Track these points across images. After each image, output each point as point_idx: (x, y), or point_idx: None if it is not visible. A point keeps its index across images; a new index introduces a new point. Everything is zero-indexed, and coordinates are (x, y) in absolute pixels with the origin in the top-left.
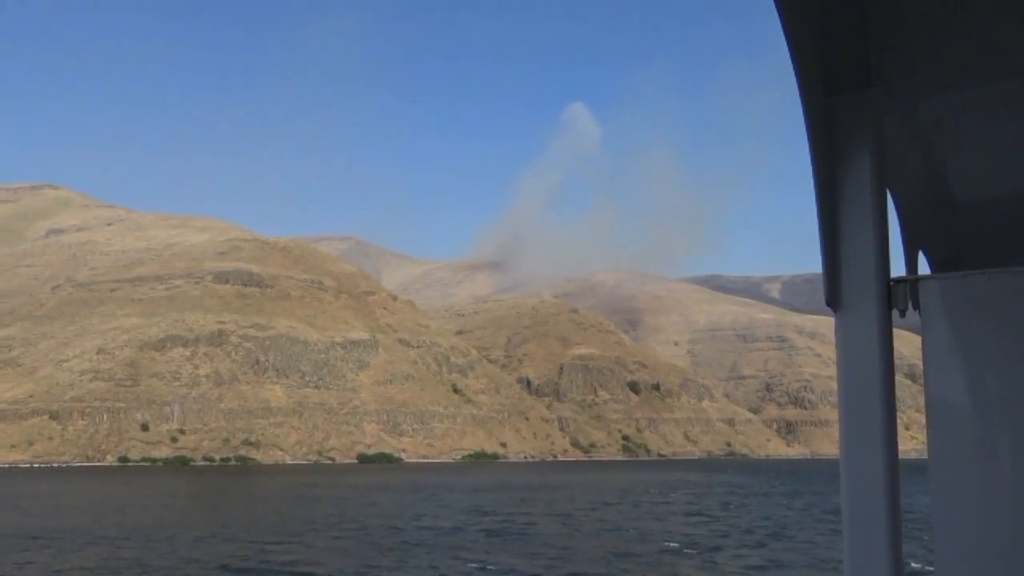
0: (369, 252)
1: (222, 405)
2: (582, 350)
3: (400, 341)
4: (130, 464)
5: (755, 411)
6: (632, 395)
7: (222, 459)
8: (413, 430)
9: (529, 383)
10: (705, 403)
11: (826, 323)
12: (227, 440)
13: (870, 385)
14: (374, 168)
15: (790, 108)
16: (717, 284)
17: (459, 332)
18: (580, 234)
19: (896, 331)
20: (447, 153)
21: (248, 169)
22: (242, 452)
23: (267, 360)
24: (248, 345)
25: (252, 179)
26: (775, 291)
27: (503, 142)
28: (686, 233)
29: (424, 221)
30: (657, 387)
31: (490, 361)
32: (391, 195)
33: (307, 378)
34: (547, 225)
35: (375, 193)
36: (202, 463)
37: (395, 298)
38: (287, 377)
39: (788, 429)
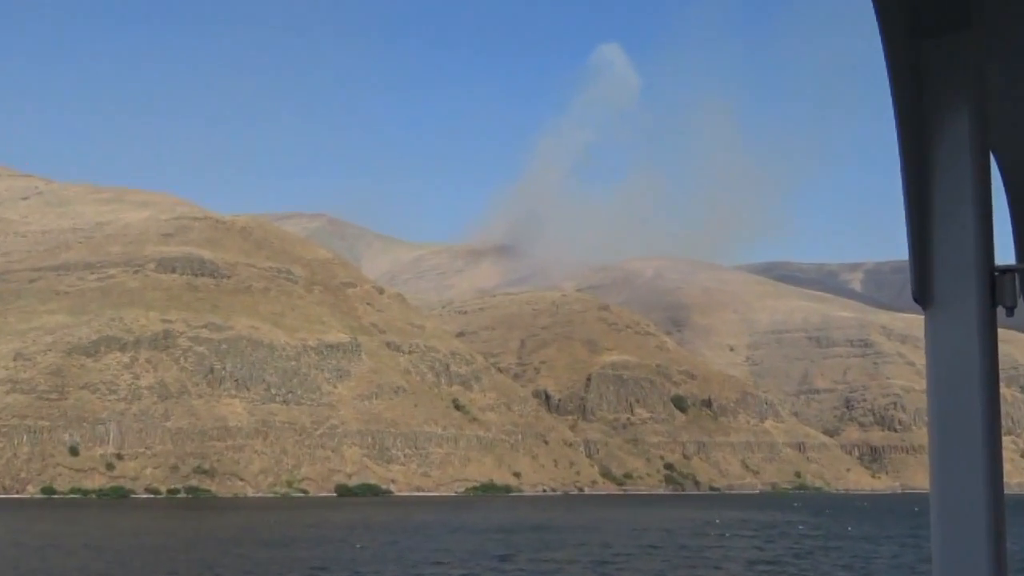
0: (346, 233)
1: (169, 424)
2: (614, 357)
3: (388, 345)
4: (56, 496)
5: (831, 434)
6: (677, 413)
7: (169, 491)
8: (405, 456)
9: (548, 398)
10: (768, 423)
11: (920, 323)
12: (175, 467)
13: (967, 399)
14: (351, 131)
15: (875, 55)
16: (783, 273)
17: (460, 334)
18: (612, 211)
19: (1001, 331)
20: (443, 110)
21: (195, 134)
22: (194, 482)
23: (224, 368)
24: (200, 349)
25: (200, 145)
26: (856, 282)
27: (515, 95)
28: (745, 210)
29: (414, 196)
30: (708, 403)
31: (499, 370)
32: (373, 164)
33: (273, 391)
34: (571, 199)
35: (352, 162)
36: (144, 496)
37: (381, 291)
38: (248, 389)
39: (873, 456)
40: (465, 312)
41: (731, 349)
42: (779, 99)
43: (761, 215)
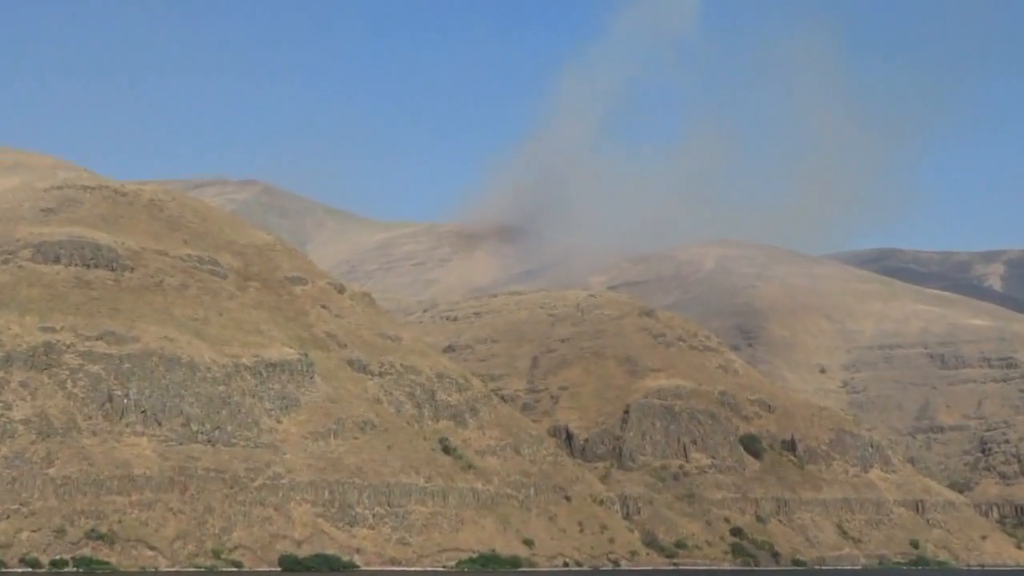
0: (287, 207)
1: (52, 472)
2: (662, 381)
3: (351, 364)
4: None
5: (960, 488)
6: (748, 459)
7: (53, 563)
8: (374, 516)
9: (571, 437)
10: (874, 473)
11: None
12: (61, 531)
13: None
14: (293, 76)
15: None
16: (895, 266)
17: (449, 348)
18: (659, 180)
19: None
20: (422, 41)
21: (80, 82)
22: (87, 551)
23: (127, 395)
24: (94, 369)
25: (86, 95)
26: (994, 278)
27: (524, 18)
28: (843, 182)
29: (381, 159)
30: (792, 445)
31: (504, 399)
32: (324, 118)
33: (194, 426)
34: (601, 164)
35: (295, 116)
36: (20, 570)
37: (341, 289)
38: (160, 424)
39: (1019, 519)
40: (455, 318)
41: (823, 371)
42: (897, 41)
43: (865, 189)
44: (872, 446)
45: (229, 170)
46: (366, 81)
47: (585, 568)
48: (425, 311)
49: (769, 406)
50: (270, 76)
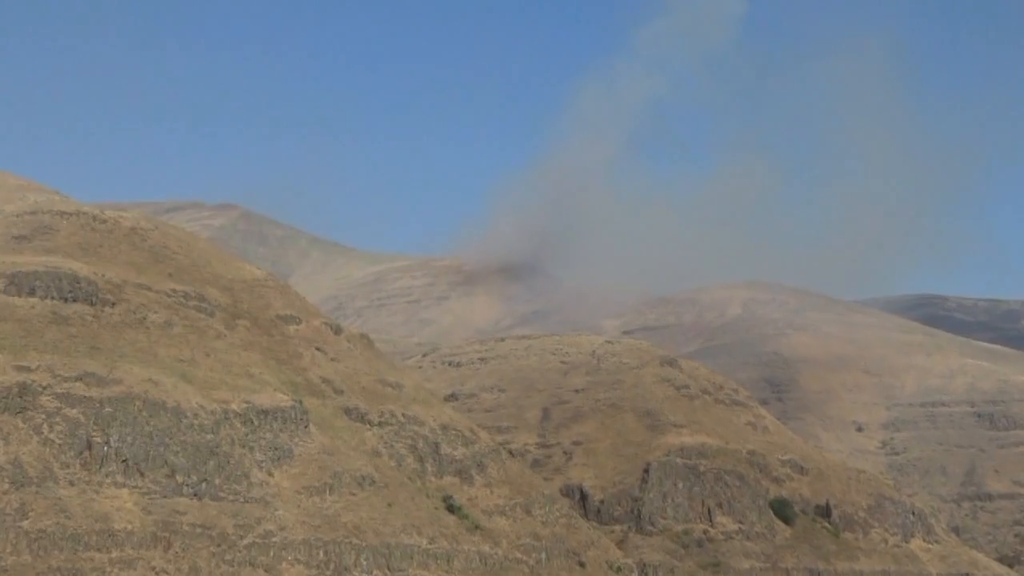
0: (268, 235)
1: (25, 524)
2: (685, 437)
3: (348, 412)
4: None
5: (1012, 561)
6: (779, 525)
7: None
8: None
9: (585, 497)
10: (916, 544)
11: None
12: None
13: None
14: (274, 91)
15: None
16: (939, 313)
17: (452, 397)
18: (683, 212)
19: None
20: (420, 61)
21: (45, 98)
22: None
23: (107, 443)
24: (72, 413)
25: (52, 112)
26: None
27: (538, 24)
28: (888, 221)
29: (370, 184)
30: (826, 511)
31: (513, 454)
32: (308, 138)
33: (180, 477)
34: (619, 193)
35: (278, 135)
36: None
37: (338, 329)
38: (143, 475)
39: None
40: (458, 364)
41: (860, 429)
42: (956, 71)
43: (914, 229)
44: (914, 514)
45: (204, 193)
46: (355, 97)
47: None
48: (425, 355)
49: (802, 467)
50: (250, 91)
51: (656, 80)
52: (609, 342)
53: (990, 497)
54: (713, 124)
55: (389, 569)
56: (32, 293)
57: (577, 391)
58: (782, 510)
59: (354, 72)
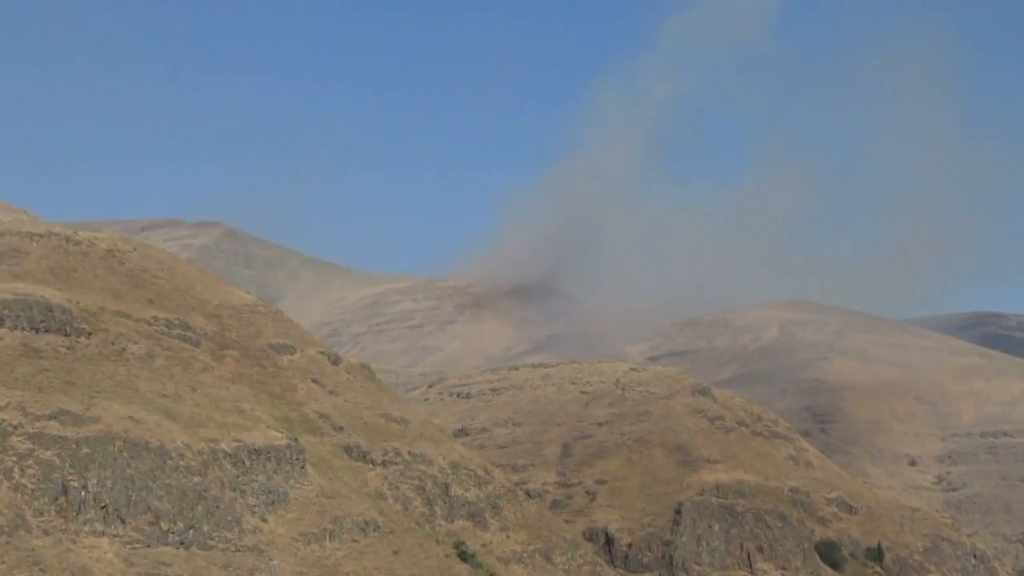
0: (255, 255)
1: None
2: (720, 474)
3: (348, 450)
4: None
5: None
6: (826, 570)
7: None
8: None
9: (611, 542)
10: None
11: None
12: None
13: None
14: (260, 93)
15: None
16: (995, 334)
17: (462, 432)
18: (714, 224)
19: None
20: (423, 62)
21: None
22: None
23: (85, 487)
24: (47, 455)
25: (7, 129)
26: None
27: (543, 32)
28: (941, 233)
29: (367, 196)
30: (878, 554)
31: (530, 495)
32: (299, 146)
33: (164, 525)
34: (644, 203)
35: (266, 143)
36: None
37: (335, 359)
38: (124, 522)
39: None
40: (467, 395)
41: (913, 463)
42: (1017, 72)
43: (966, 240)
44: (975, 556)
45: (182, 210)
46: (350, 101)
47: None
48: (431, 386)
49: (850, 506)
50: (234, 95)
51: (682, 79)
52: (634, 369)
53: None
54: (744, 128)
55: None
56: (0, 323)
57: (600, 424)
58: (829, 554)
59: (347, 73)
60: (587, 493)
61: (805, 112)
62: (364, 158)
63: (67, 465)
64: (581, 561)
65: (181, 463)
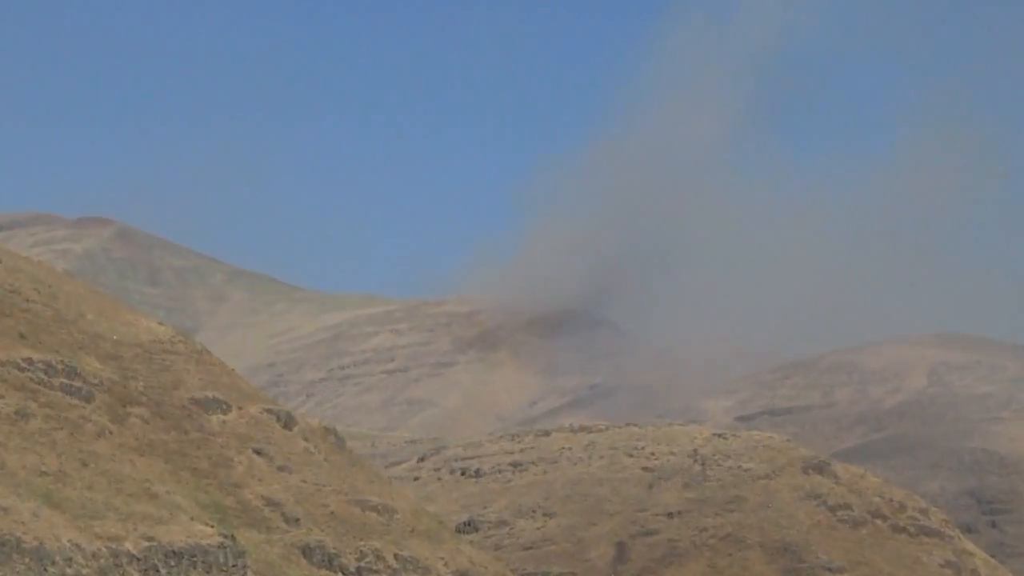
0: (160, 265)
1: None
2: None
3: (307, 552)
4: None
5: None
6: None
7: None
8: None
9: None
10: None
11: None
12: None
13: None
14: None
15: None
16: None
17: (470, 524)
18: (831, 224)
19: None
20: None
21: None
22: None
23: None
24: None
25: None
26: None
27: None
28: None
29: (326, 191)
30: None
31: None
32: (224, 126)
33: None
34: (729, 192)
35: (169, 121)
36: None
37: (288, 422)
38: None
39: None
40: (476, 472)
41: None
42: None
43: None
44: None
45: (58, 203)
46: (295, 65)
47: None
48: (422, 459)
49: None
50: (129, 67)
51: (786, 14)
52: (719, 435)
53: None
54: (883, 79)
55: None
56: None
57: (671, 515)
58: None
59: (295, 37)
60: None
61: (976, 54)
62: (324, 134)
63: None
64: None
65: (68, 570)
